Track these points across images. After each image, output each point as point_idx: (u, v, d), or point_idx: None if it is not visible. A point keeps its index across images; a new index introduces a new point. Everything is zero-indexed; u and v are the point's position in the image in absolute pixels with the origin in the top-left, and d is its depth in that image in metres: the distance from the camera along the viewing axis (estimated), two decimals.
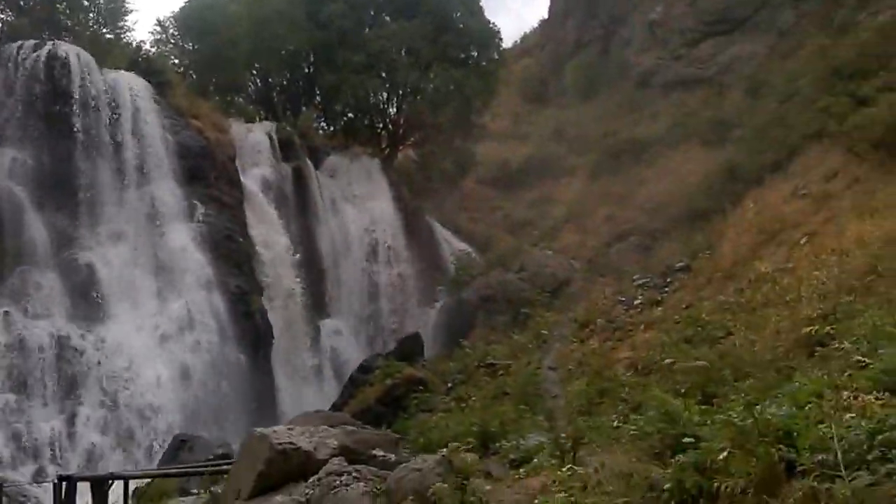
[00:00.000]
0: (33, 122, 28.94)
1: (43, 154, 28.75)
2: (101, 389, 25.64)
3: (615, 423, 12.00)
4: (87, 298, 27.53)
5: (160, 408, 26.22)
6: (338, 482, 8.60)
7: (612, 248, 39.21)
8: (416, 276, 40.53)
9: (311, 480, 8.87)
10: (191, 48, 43.48)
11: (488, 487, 9.31)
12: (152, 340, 27.58)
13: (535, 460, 11.14)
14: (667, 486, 8.17)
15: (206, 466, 15.83)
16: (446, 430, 17.45)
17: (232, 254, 31.22)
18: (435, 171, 47.95)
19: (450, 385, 28.85)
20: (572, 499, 8.33)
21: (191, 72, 43.25)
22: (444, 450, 13.17)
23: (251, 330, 30.41)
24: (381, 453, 10.36)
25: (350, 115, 46.83)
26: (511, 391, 22.84)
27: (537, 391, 22.39)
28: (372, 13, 46.25)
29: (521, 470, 10.88)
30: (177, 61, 43.31)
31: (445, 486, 8.22)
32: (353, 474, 8.84)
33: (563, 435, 11.34)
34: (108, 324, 27.30)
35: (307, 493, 8.51)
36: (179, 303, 28.61)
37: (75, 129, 29.62)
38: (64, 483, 12.66)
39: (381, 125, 47.58)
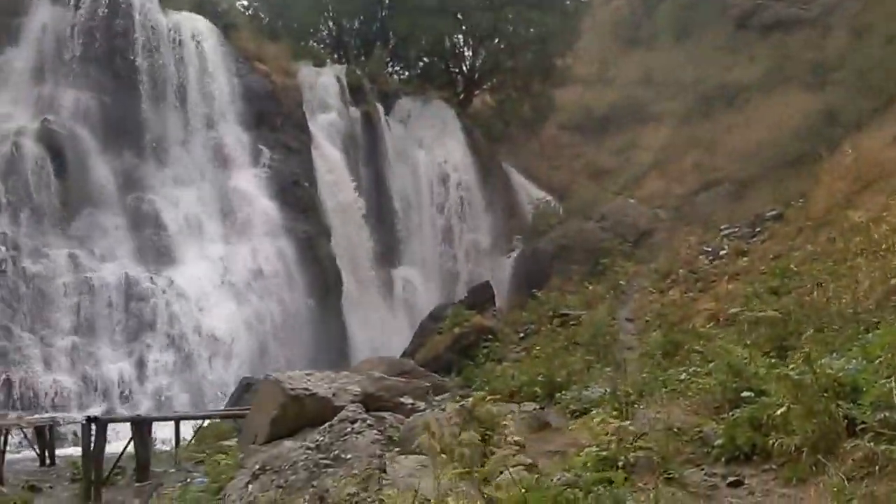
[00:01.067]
0: (95, 64, 29.54)
1: (105, 96, 29.23)
2: (168, 332, 26.16)
3: (683, 377, 11.59)
4: (153, 242, 28.18)
5: (228, 351, 26.57)
6: (349, 429, 8.42)
7: (699, 196, 38.41)
8: (490, 225, 40.24)
9: (323, 427, 8.66)
10: None
11: (515, 439, 8.95)
12: (220, 285, 27.95)
13: (594, 412, 10.79)
14: (718, 441, 8.05)
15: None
16: (511, 380, 17.29)
17: (298, 200, 31.44)
18: (513, 117, 47.21)
19: (521, 335, 28.59)
20: (603, 452, 8.08)
21: (261, 14, 43.22)
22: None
23: (319, 276, 30.68)
24: (410, 401, 10.11)
25: (425, 59, 46.19)
26: (582, 342, 22.47)
27: (610, 342, 21.97)
28: None
29: (577, 421, 10.72)
30: (245, 2, 43.39)
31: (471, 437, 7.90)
32: (368, 421, 8.64)
33: (624, 387, 11.23)
34: (175, 267, 27.92)
35: (318, 440, 8.31)
36: (246, 247, 28.85)
37: (138, 71, 30.00)
38: (92, 424, 12.79)
39: (456, 70, 46.82)
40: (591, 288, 30.65)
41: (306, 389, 9.93)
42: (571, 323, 26.55)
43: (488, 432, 9.25)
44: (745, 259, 27.45)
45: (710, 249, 29.95)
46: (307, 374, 10.64)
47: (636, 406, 10.66)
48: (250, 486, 8.19)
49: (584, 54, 53.31)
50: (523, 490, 6.26)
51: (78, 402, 23.74)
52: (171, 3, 32.75)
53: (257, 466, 8.24)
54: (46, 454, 16.61)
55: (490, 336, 27.28)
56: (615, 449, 8.07)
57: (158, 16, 31.28)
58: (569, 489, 6.74)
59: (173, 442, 18.63)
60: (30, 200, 26.42)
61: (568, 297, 30.41)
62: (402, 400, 10.32)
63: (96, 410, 23.20)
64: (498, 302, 33.87)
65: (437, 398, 16.24)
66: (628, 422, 8.99)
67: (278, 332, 28.20)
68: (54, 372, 24.07)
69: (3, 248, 25.07)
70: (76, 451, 16.77)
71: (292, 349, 28.52)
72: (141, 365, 25.41)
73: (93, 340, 25.30)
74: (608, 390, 12.08)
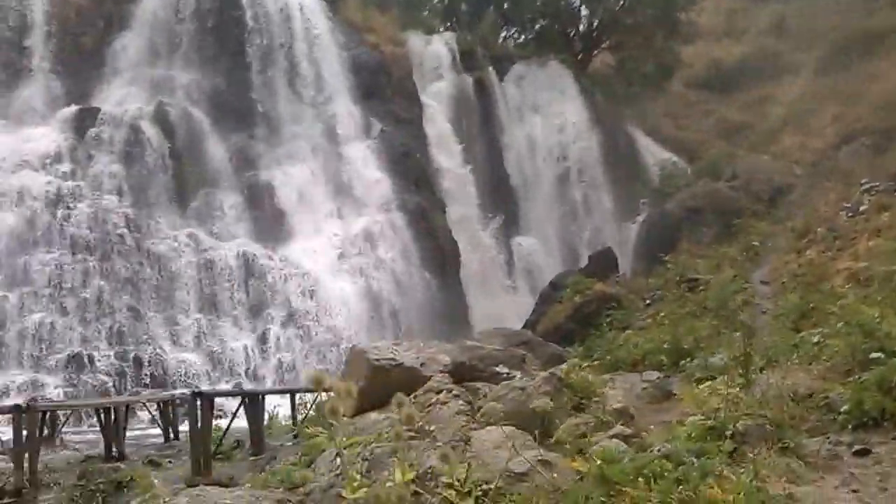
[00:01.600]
0: (206, 45, 30.25)
1: (218, 76, 29.93)
2: (287, 308, 26.63)
3: (816, 339, 11.04)
4: (269, 218, 28.64)
5: (346, 325, 26.92)
6: (434, 400, 8.08)
7: (839, 150, 37.01)
8: (613, 189, 39.40)
9: (408, 398, 8.35)
10: None
11: (616, 407, 8.50)
12: (334, 259, 28.34)
13: (718, 379, 10.18)
14: (844, 407, 7.63)
15: None
16: (634, 349, 16.94)
17: (410, 170, 31.54)
18: (635, 76, 46.08)
19: (647, 302, 27.75)
20: (709, 421, 7.48)
21: None
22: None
23: (435, 247, 30.80)
24: (505, 370, 9.67)
25: (539, 21, 45.35)
26: (712, 307, 21.54)
27: (741, 306, 21.04)
28: None
29: (700, 387, 9.94)
30: None
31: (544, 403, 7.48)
32: (454, 392, 8.28)
33: (751, 352, 10.51)
34: (291, 243, 28.46)
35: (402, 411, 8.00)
36: (360, 221, 29.09)
37: (249, 49, 30.58)
38: (198, 399, 13.03)
39: (573, 30, 45.78)
40: (722, 251, 29.51)
41: (392, 360, 9.66)
42: (700, 288, 25.67)
43: (583, 401, 8.82)
44: (886, 215, 25.80)
45: (849, 206, 28.44)
46: (394, 344, 10.40)
47: (762, 372, 10.04)
48: (338, 459, 8.05)
49: (710, 6, 51.82)
50: (599, 462, 5.83)
51: (207, 379, 24.53)
52: None
53: (344, 439, 8.07)
54: (170, 430, 17.14)
55: (613, 304, 26.59)
56: (724, 417, 7.50)
57: None
58: (657, 461, 6.26)
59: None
60: (149, 182, 27.37)
61: (697, 262, 29.40)
62: (496, 369, 9.90)
63: (224, 387, 23.97)
64: (622, 268, 33.15)
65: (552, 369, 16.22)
66: (744, 389, 8.59)
67: (395, 306, 28.38)
68: (181, 350, 24.92)
69: (127, 231, 26.05)
70: None
71: (411, 323, 28.62)
72: (263, 341, 26.01)
73: (216, 318, 26.05)
74: (733, 356, 11.24)
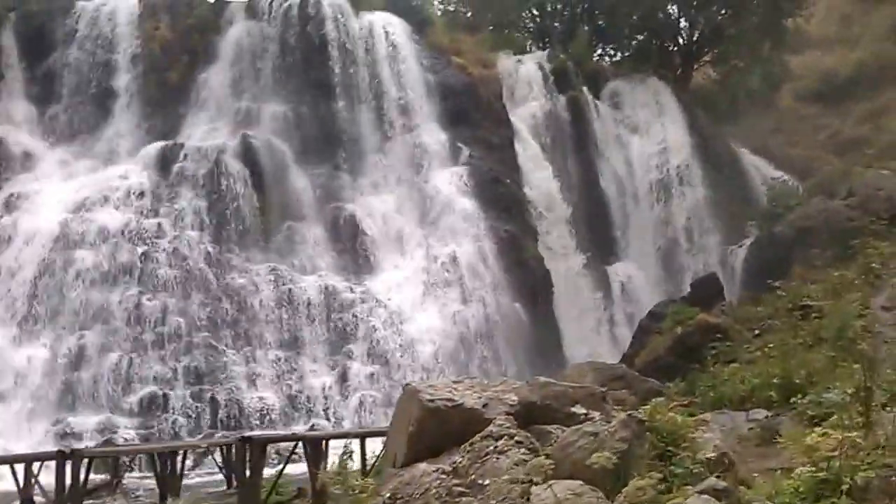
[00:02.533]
0: (290, 74, 30.26)
1: (302, 106, 30.05)
2: (370, 343, 26.29)
3: None
4: (352, 250, 28.60)
5: (432, 361, 26.26)
6: (491, 448, 7.21)
7: None
8: (717, 211, 37.85)
9: (464, 445, 7.50)
10: None
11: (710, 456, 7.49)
12: (421, 292, 27.86)
13: (834, 417, 9.18)
14: None
15: None
16: (740, 384, 15.94)
17: (501, 197, 30.91)
18: (740, 90, 44.45)
19: (756, 332, 26.06)
20: (820, 473, 6.62)
21: (458, 7, 43.08)
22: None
23: (527, 277, 30.00)
24: (583, 411, 8.62)
25: (636, 37, 44.21)
26: (827, 336, 20.50)
27: (861, 335, 20.02)
28: None
29: (816, 429, 8.76)
30: None
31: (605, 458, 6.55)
32: (515, 437, 7.38)
33: (872, 386, 9.35)
34: (375, 276, 28.15)
35: (456, 461, 7.19)
36: (447, 251, 28.58)
37: (333, 78, 30.61)
38: (247, 445, 12.43)
39: (671, 44, 44.44)
40: (838, 275, 27.76)
41: (449, 400, 8.70)
42: (814, 315, 23.85)
43: (670, 448, 7.80)
44: None
45: None
46: (455, 383, 9.44)
47: (886, 409, 8.85)
48: None
49: (821, 12, 50.01)
50: None
51: (283, 418, 24.16)
52: (362, 3, 33.12)
53: (387, 495, 7.27)
54: (233, 476, 16.68)
55: (718, 335, 25.09)
56: (840, 466, 6.57)
57: (351, 19, 31.77)
58: None
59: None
60: (232, 216, 27.40)
61: (811, 287, 27.70)
62: (573, 410, 8.87)
63: (300, 427, 23.55)
64: (728, 296, 31.66)
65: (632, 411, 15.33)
66: (865, 431, 7.55)
67: (484, 340, 27.69)
68: (259, 389, 24.68)
69: (207, 266, 26.06)
70: (269, 471, 16.80)
71: (501, 358, 27.86)
72: (343, 378, 25.58)
73: (296, 354, 25.74)
74: (852, 391, 10.01)
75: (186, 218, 27.05)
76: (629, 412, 7.92)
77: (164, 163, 28.30)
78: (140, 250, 25.91)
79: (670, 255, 37.11)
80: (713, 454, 7.57)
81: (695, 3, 43.39)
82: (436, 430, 8.87)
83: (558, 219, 33.77)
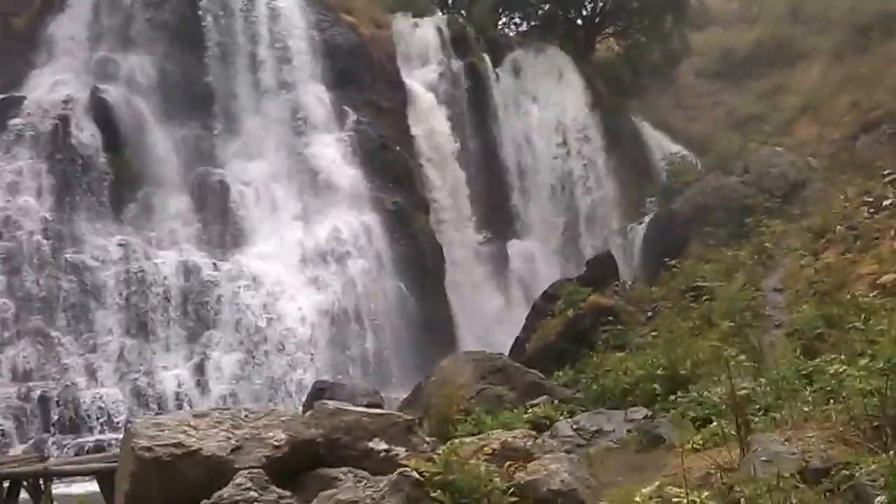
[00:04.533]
0: (156, 25, 25.24)
1: (167, 61, 25.03)
2: (235, 329, 21.67)
3: (834, 369, 8.67)
4: (221, 221, 23.88)
5: (306, 349, 21.91)
6: None
7: (858, 140, 33.45)
8: (618, 186, 34.77)
9: None
10: None
11: None
12: (296, 269, 23.32)
13: (713, 424, 8.61)
14: (879, 498, 5.20)
15: None
16: (624, 376, 14.54)
17: (389, 166, 26.62)
18: (642, 64, 41.38)
19: (649, 315, 23.05)
20: None
21: None
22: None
23: (416, 254, 25.92)
24: (383, 447, 5.59)
25: (542, 6, 40.27)
26: (718, 320, 18.26)
27: (749, 320, 17.80)
28: None
29: (696, 438, 8.30)
30: None
31: None
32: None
33: (743, 400, 8.14)
34: (245, 251, 23.63)
35: None
36: (326, 224, 24.04)
37: (204, 30, 25.64)
38: None
39: (574, 14, 40.66)
40: (732, 254, 25.05)
41: (179, 446, 5.24)
42: (706, 297, 21.24)
43: None
44: None
45: (871, 201, 24.61)
46: (197, 417, 5.83)
47: (766, 415, 8.36)
48: None
49: None
50: None
51: (128, 418, 19.49)
52: None
53: None
54: None
55: (610, 318, 21.67)
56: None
57: None
58: None
59: None
60: (77, 181, 22.32)
61: (705, 267, 24.72)
62: (371, 445, 5.84)
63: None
64: (629, 275, 28.49)
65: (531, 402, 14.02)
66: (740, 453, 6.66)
67: (366, 323, 23.38)
68: (100, 384, 19.93)
69: (42, 238, 21.07)
70: None
71: (385, 342, 23.68)
72: (201, 370, 21.01)
73: (144, 342, 21.03)
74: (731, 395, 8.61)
75: (23, 182, 21.78)
76: (401, 471, 5.00)
77: (1, 118, 22.81)
78: None
79: (571, 231, 33.63)
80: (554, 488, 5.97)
81: None
82: (161, 488, 5.22)
83: (454, 190, 29.59)
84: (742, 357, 12.69)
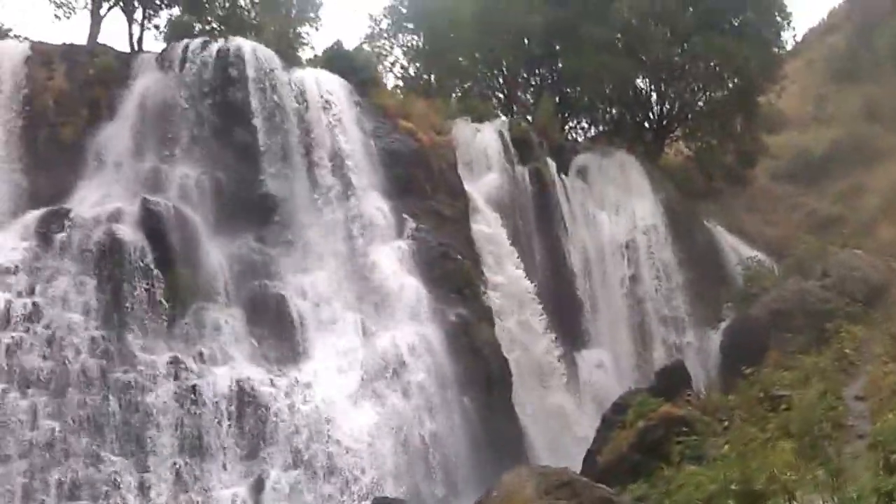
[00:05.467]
0: (206, 134, 25.33)
1: (219, 171, 24.98)
2: (292, 446, 20.88)
3: None
4: (276, 336, 23.20)
5: (364, 465, 20.85)
6: None
7: None
8: (691, 293, 33.53)
9: None
10: (412, 43, 39.37)
11: None
12: (355, 385, 22.52)
13: None
14: None
15: None
16: (695, 491, 13.96)
17: (451, 276, 25.99)
18: (714, 167, 40.72)
19: (725, 425, 21.88)
20: None
21: (411, 67, 38.99)
22: None
23: (480, 367, 24.77)
24: None
25: (606, 109, 40.27)
26: (795, 431, 17.39)
27: (830, 431, 17.15)
28: None
29: None
30: (390, 59, 39.39)
31: None
32: None
33: None
34: (302, 366, 22.83)
35: None
36: (386, 338, 23.28)
37: (257, 139, 25.67)
38: None
39: (641, 117, 40.46)
40: (811, 361, 24.03)
41: None
42: (783, 407, 20.02)
43: None
44: None
45: None
46: None
47: None
48: None
49: (796, 92, 47.89)
50: None
51: None
52: (297, 59, 28.50)
53: None
54: None
55: (684, 428, 20.52)
56: None
57: (280, 74, 26.84)
58: None
59: None
60: (126, 296, 21.94)
61: (783, 374, 23.69)
62: None
63: None
64: (705, 384, 27.56)
65: None
66: None
67: (428, 439, 22.23)
68: (153, 502, 19.09)
69: (90, 357, 20.60)
70: None
71: (449, 458, 22.52)
72: (259, 488, 20.04)
73: (200, 462, 20.20)
74: None
75: (69, 298, 21.46)
76: None
77: (46, 233, 22.38)
78: (7, 337, 20.33)
79: (643, 340, 32.45)
80: None
81: (664, 76, 39.42)
82: None
83: (520, 300, 28.71)
84: (819, 473, 12.42)
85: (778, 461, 13.42)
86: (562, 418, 27.86)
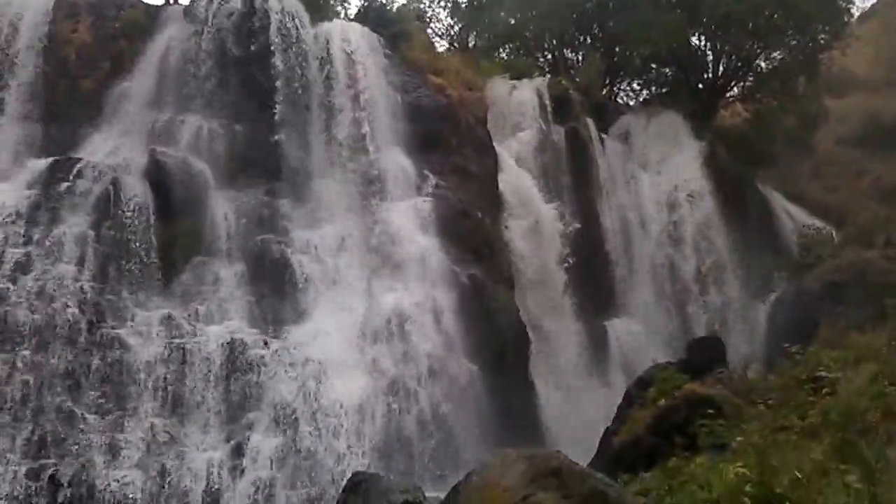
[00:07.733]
0: (225, 85, 23.38)
1: (236, 123, 22.94)
2: (277, 411, 18.86)
3: None
4: (277, 295, 21.30)
5: (355, 436, 18.77)
6: None
7: None
8: (739, 261, 30.10)
9: None
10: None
11: None
12: (354, 350, 20.23)
13: None
14: None
15: None
16: (701, 490, 10.61)
17: (469, 234, 23.50)
18: (775, 130, 36.45)
19: (761, 408, 18.47)
20: None
21: (456, 26, 36.29)
22: None
23: (493, 334, 22.31)
24: None
25: (655, 67, 36.63)
26: (836, 419, 13.64)
27: (871, 424, 13.03)
28: None
29: None
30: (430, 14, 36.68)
31: None
32: None
33: None
34: (300, 327, 20.63)
35: None
36: (391, 299, 21.01)
37: (276, 91, 23.57)
38: None
39: (694, 77, 36.72)
40: (864, 340, 20.31)
41: None
42: (826, 391, 16.63)
43: None
44: None
45: None
46: None
47: None
48: None
49: (869, 56, 43.93)
50: None
51: None
52: (324, 12, 26.15)
53: None
54: None
55: (710, 410, 17.38)
56: None
57: (304, 27, 24.66)
58: None
59: None
60: (125, 250, 20.19)
61: (832, 353, 20.21)
62: None
63: None
64: (746, 361, 23.78)
65: None
66: None
67: (428, 411, 20.00)
68: (120, 465, 17.36)
69: (78, 310, 18.91)
70: None
71: (451, 433, 20.16)
72: (239, 453, 18.13)
73: (179, 423, 18.39)
74: None
75: (65, 248, 19.82)
76: None
77: (51, 181, 20.83)
78: None
79: (682, 312, 29.24)
80: None
81: (720, 32, 35.53)
82: None
83: (546, 265, 26.04)
84: (853, 477, 9.40)
85: (804, 459, 10.50)
86: (587, 396, 25.06)
